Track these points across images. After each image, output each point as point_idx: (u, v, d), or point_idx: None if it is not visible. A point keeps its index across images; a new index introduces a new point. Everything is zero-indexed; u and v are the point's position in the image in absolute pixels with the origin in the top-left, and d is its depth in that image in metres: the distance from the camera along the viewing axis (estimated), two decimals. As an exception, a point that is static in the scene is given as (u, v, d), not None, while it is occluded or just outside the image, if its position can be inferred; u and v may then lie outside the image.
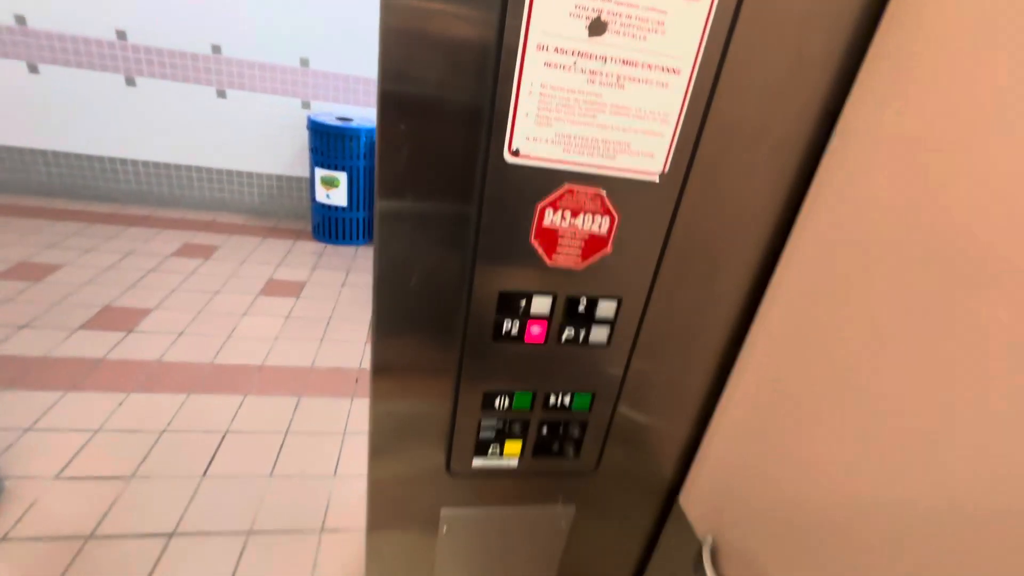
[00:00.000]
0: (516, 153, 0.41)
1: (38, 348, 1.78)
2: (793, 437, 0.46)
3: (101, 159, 3.02)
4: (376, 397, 0.51)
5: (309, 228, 3.16)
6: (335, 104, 3.05)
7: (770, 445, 0.48)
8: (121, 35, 2.76)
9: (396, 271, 0.45)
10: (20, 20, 2.70)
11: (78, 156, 3.00)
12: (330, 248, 2.96)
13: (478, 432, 0.54)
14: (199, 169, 3.12)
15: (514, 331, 0.49)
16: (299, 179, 3.20)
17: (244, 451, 1.50)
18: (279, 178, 3.18)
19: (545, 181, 0.43)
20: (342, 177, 2.83)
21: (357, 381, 1.80)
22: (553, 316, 0.49)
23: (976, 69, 0.33)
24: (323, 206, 2.92)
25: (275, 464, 1.47)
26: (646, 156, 0.42)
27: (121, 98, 2.90)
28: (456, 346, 0.50)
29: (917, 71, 0.37)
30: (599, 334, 0.50)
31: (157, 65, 2.84)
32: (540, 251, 0.45)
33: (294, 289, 2.43)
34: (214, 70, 2.89)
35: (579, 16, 0.37)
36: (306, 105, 3.03)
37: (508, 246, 0.45)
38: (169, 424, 1.55)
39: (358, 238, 3.03)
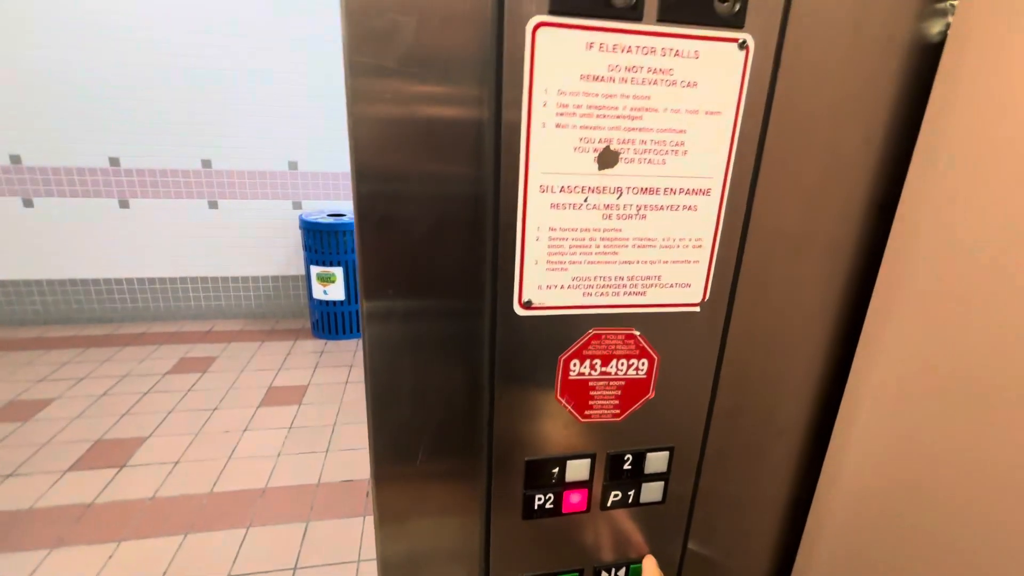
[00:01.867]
0: (528, 305, 0.34)
1: (24, 499, 1.65)
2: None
3: (96, 281, 3.01)
4: (388, 605, 0.41)
5: (308, 326, 3.09)
6: (326, 201, 3.10)
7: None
8: (114, 161, 2.84)
9: (390, 434, 0.37)
10: (15, 159, 2.78)
11: (72, 281, 2.99)
12: (331, 344, 2.88)
13: (517, 626, 0.44)
14: (194, 280, 3.11)
15: (548, 504, 0.40)
16: (295, 278, 3.18)
17: (248, 599, 1.34)
18: (275, 279, 3.17)
19: (566, 329, 0.35)
20: (338, 272, 2.81)
21: (368, 495, 1.66)
22: (594, 479, 0.40)
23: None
24: (321, 302, 2.88)
25: (283, 611, 1.31)
26: (682, 287, 0.36)
27: (115, 221, 2.94)
28: (478, 530, 0.41)
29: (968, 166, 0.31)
30: (651, 492, 0.41)
31: (150, 185, 2.90)
32: (569, 408, 0.38)
33: (296, 395, 2.32)
34: (205, 183, 2.95)
35: (585, 150, 0.31)
36: (297, 205, 3.06)
37: (530, 407, 0.37)
38: (164, 573, 1.40)
39: (358, 331, 2.97)
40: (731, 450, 0.43)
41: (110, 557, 1.45)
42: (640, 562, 0.44)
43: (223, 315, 3.17)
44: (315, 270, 2.81)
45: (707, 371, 0.39)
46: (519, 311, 0.34)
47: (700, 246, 0.35)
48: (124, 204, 2.91)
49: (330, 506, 1.62)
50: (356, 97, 0.29)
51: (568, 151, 0.31)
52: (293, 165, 3.01)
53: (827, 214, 0.38)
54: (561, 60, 0.29)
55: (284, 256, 3.13)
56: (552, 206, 0.32)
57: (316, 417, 2.14)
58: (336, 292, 2.84)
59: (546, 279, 0.34)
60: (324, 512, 1.60)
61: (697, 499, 0.43)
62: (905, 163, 0.37)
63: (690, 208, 0.34)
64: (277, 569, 1.42)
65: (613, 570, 0.43)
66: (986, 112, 0.31)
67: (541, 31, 0.28)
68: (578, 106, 0.30)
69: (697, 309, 0.37)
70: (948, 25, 0.35)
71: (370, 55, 0.29)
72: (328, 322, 2.92)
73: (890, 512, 0.39)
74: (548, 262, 0.33)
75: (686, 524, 0.44)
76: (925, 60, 0.35)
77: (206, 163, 2.92)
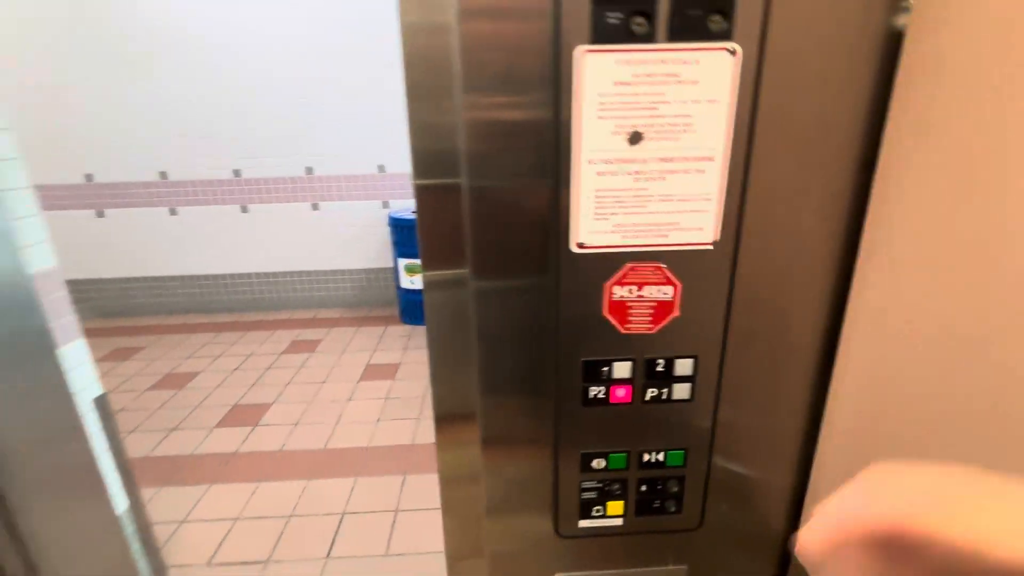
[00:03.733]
0: (582, 245, 0.49)
1: (186, 447, 2.05)
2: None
3: (223, 276, 3.53)
4: (488, 470, 0.58)
5: (397, 313, 3.41)
6: (411, 200, 3.40)
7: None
8: (237, 173, 3.32)
9: (492, 349, 0.53)
10: (163, 175, 3.34)
11: (204, 276, 3.54)
12: (417, 329, 3.17)
13: (580, 493, 0.59)
14: (299, 273, 3.54)
15: (600, 395, 0.54)
16: (385, 270, 3.52)
17: (361, 532, 1.59)
18: (367, 271, 3.52)
19: (610, 263, 0.50)
20: (422, 263, 3.09)
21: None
22: (635, 378, 0.54)
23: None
24: (408, 291, 3.17)
25: (389, 543, 1.54)
26: (696, 230, 0.49)
27: (237, 224, 3.43)
28: (550, 414, 0.56)
29: (940, 118, 0.41)
30: (681, 390, 0.54)
31: (264, 192, 3.36)
32: (614, 322, 0.52)
33: (390, 372, 2.61)
34: (308, 188, 3.35)
35: (619, 133, 0.45)
36: (386, 205, 3.39)
37: (585, 322, 0.52)
38: (294, 509, 1.70)
39: (441, 316, 3.22)
40: (748, 362, 0.55)
41: (252, 494, 1.77)
42: (675, 448, 0.57)
43: (324, 304, 3.58)
44: (403, 262, 3.11)
45: (721, 296, 0.51)
46: (575, 250, 0.49)
47: (709, 199, 0.48)
48: (244, 209, 3.39)
49: (425, 463, 1.85)
50: (468, 107, 0.45)
51: (607, 134, 0.45)
52: (381, 168, 3.34)
53: (813, 170, 0.49)
54: (599, 73, 0.43)
55: (375, 250, 3.48)
56: (597, 174, 0.46)
57: (408, 390, 2.41)
58: (421, 282, 3.12)
59: (594, 227, 0.48)
60: (419, 468, 1.84)
61: (721, 401, 0.56)
62: (878, 125, 0.47)
63: (700, 171, 0.47)
64: (382, 510, 1.67)
65: (653, 453, 0.57)
66: (943, 78, 0.41)
67: (586, 56, 0.43)
68: (613, 103, 0.44)
69: (711, 247, 0.49)
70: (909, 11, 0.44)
71: (477, 80, 0.45)
72: (415, 309, 3.21)
73: (889, 419, 0.49)
74: (595, 214, 0.48)
75: (712, 419, 0.56)
76: (888, 46, 0.45)
77: (309, 170, 3.33)
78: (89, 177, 3.31)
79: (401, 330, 3.15)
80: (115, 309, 3.50)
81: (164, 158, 3.28)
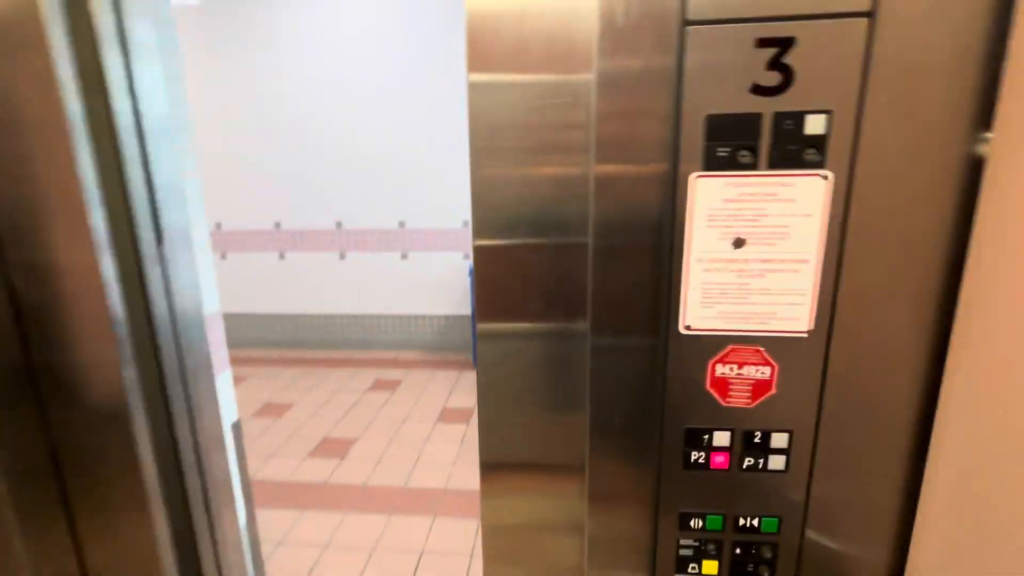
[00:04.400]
0: (689, 328, 0.58)
1: (282, 473, 2.24)
2: (1007, 542, 0.49)
3: (319, 316, 3.88)
4: (592, 523, 0.66)
5: (471, 358, 3.56)
6: (489, 252, 3.61)
7: (984, 558, 0.51)
8: (339, 224, 3.71)
9: (603, 406, 0.63)
10: (278, 225, 3.80)
11: (303, 316, 3.90)
12: (490, 376, 3.28)
13: (678, 550, 0.64)
14: (385, 317, 3.82)
15: (701, 460, 0.61)
16: (463, 317, 3.71)
17: (438, 572, 1.66)
18: (447, 318, 3.74)
19: (714, 344, 0.58)
20: (498, 312, 3.24)
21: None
22: (733, 447, 0.60)
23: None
24: (483, 339, 3.32)
25: (465, 586, 1.60)
26: (792, 320, 0.56)
27: (334, 269, 3.79)
28: (653, 473, 0.63)
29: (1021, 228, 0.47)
30: (776, 462, 0.60)
31: (361, 242, 3.71)
32: (716, 395, 0.59)
33: (465, 415, 2.72)
34: (399, 239, 3.67)
35: (725, 239, 0.55)
36: (467, 257, 3.63)
37: (689, 393, 0.60)
38: (377, 543, 1.81)
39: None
40: (842, 439, 0.60)
41: (340, 523, 1.91)
42: (769, 516, 0.61)
43: (406, 346, 3.81)
44: (480, 311, 3.28)
45: (815, 378, 0.58)
46: (683, 331, 0.58)
47: (803, 294, 0.55)
48: (342, 256, 3.76)
49: (497, 510, 1.91)
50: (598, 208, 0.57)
51: (715, 239, 0.55)
52: (465, 223, 3.60)
53: (901, 272, 0.55)
54: (709, 192, 0.54)
55: (455, 298, 3.70)
56: (704, 270, 0.56)
57: (482, 436, 2.50)
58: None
59: (700, 313, 0.57)
60: (492, 514, 1.90)
61: (815, 473, 0.60)
62: (964, 234, 0.53)
63: (795, 271, 0.55)
64: (458, 552, 1.74)
65: (748, 518, 0.62)
66: (1020, 199, 0.48)
67: (698, 180, 0.54)
68: (720, 215, 0.54)
69: (805, 335, 0.57)
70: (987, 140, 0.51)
71: (606, 204, 0.56)
72: (488, 356, 3.34)
73: (988, 507, 0.52)
74: (702, 302, 0.57)
75: (806, 492, 0.61)
76: (969, 170, 0.52)
77: (401, 223, 3.66)
78: (219, 225, 3.84)
79: (475, 375, 3.28)
80: (228, 341, 3.94)
81: (279, 210, 3.75)
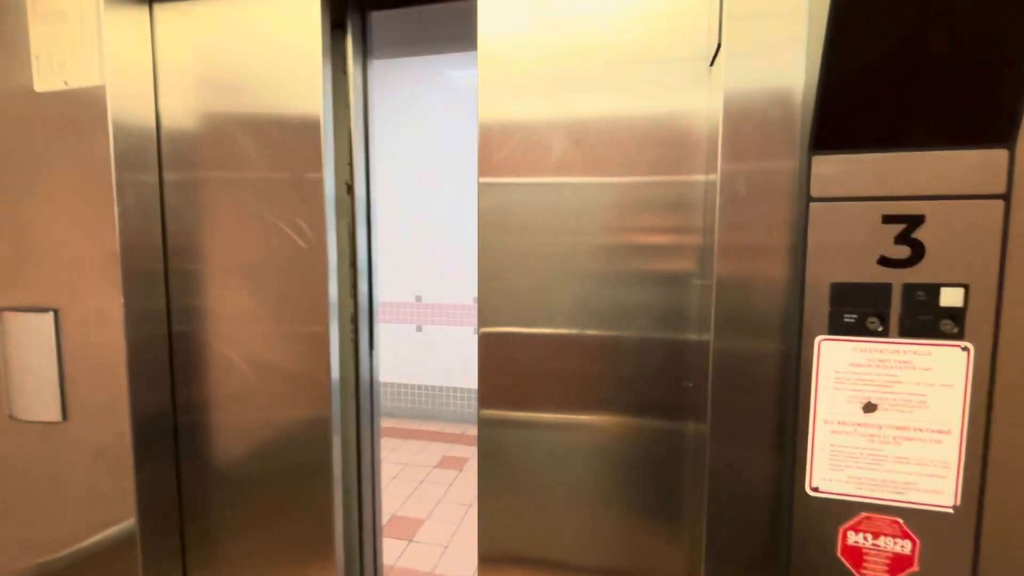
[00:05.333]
0: (816, 489, 0.56)
1: (352, 551, 2.25)
2: None
3: (394, 384, 4.01)
4: None
5: (538, 439, 3.49)
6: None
7: None
8: (418, 298, 3.92)
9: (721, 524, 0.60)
10: (417, 298, 4.06)
11: (382, 384, 4.05)
12: (558, 460, 3.19)
13: None
14: (453, 389, 3.88)
15: (833, 636, 0.56)
16: (531, 395, 3.69)
17: None
18: (515, 395, 3.73)
19: (844, 509, 0.55)
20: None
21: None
22: (870, 626, 0.55)
23: None
24: (552, 420, 3.26)
25: None
26: (934, 493, 0.53)
27: (411, 340, 3.95)
28: (777, 642, 0.59)
29: None
30: (924, 650, 0.54)
31: (438, 315, 3.87)
32: (848, 565, 0.56)
33: (533, 505, 2.64)
34: (472, 314, 3.79)
35: (854, 402, 0.54)
36: (539, 335, 3.67)
37: (818, 560, 0.56)
38: (444, 641, 1.73)
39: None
40: (1003, 634, 0.53)
41: (407, 614, 1.86)
42: None
43: (471, 420, 3.82)
44: (550, 391, 3.25)
45: (965, 559, 0.53)
46: (810, 492, 0.56)
47: (947, 467, 0.52)
48: (419, 328, 3.93)
49: (569, 619, 1.79)
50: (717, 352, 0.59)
51: (843, 402, 0.54)
52: (538, 301, 3.68)
53: (1071, 450, 0.51)
54: (836, 356, 0.54)
55: (525, 376, 3.71)
56: (832, 432, 0.55)
57: (551, 529, 2.40)
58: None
59: (828, 475, 0.55)
60: (564, 624, 1.78)
61: (972, 670, 0.54)
62: None
63: (936, 442, 0.52)
64: (528, 666, 1.63)
65: None
66: None
67: (823, 343, 0.54)
68: (848, 378, 0.54)
69: (951, 511, 0.53)
70: None
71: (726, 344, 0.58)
72: (556, 439, 3.27)
73: None
74: (830, 464, 0.55)
75: None
76: None
77: (476, 299, 3.79)
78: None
79: (541, 458, 3.20)
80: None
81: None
